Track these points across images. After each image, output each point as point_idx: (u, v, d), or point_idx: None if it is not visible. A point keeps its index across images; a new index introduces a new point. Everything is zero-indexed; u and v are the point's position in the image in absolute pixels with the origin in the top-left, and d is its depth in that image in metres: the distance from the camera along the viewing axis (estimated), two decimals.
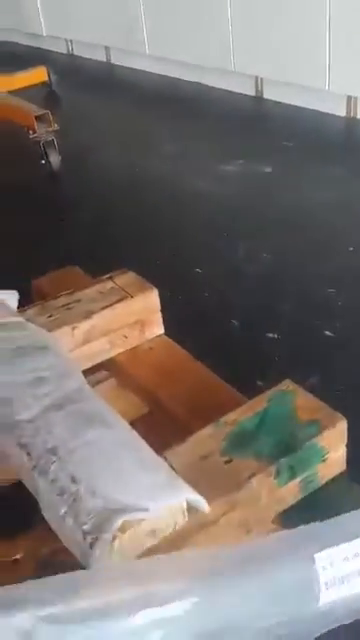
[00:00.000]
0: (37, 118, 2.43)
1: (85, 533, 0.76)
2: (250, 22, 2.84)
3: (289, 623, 0.67)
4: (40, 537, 0.84)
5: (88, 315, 1.22)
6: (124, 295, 1.27)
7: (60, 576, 0.70)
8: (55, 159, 2.44)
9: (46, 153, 2.43)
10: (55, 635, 0.65)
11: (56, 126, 2.45)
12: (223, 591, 0.68)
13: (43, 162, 2.44)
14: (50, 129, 2.43)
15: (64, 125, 2.51)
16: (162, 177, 2.44)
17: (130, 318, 1.26)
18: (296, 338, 1.61)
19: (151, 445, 0.89)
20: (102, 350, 1.26)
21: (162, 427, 1.16)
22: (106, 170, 2.54)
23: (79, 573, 0.73)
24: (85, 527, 0.76)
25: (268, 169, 2.38)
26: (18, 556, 0.82)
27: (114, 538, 0.75)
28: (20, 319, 1.14)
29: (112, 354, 1.27)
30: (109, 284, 1.30)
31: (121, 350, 1.28)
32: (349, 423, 0.96)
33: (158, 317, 1.31)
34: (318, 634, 0.71)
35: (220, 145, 2.64)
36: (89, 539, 0.75)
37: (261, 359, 1.55)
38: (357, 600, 0.69)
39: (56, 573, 0.78)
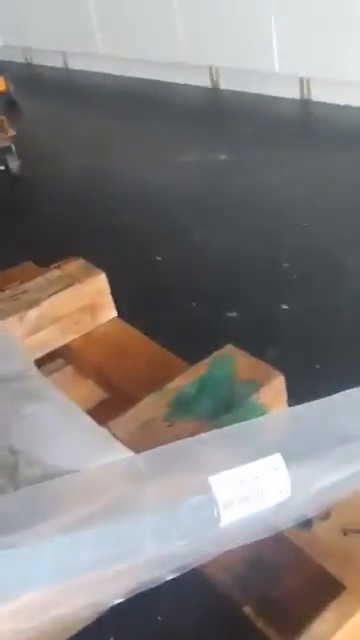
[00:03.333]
0: None
1: None
2: (197, 13, 2.87)
3: (190, 544, 0.69)
4: None
5: (35, 303, 1.24)
6: (72, 281, 1.29)
7: None
8: (14, 165, 2.46)
9: (4, 159, 2.45)
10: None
11: (12, 131, 2.47)
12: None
13: (2, 168, 2.46)
14: (7, 135, 2.45)
15: (24, 131, 2.54)
16: (122, 174, 2.47)
17: (79, 303, 1.28)
18: (254, 315, 1.63)
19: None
20: (53, 337, 1.27)
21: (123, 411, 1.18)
22: (67, 172, 2.56)
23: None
24: None
25: (223, 156, 2.41)
26: None
27: None
28: None
29: (65, 341, 1.30)
30: (56, 272, 1.32)
31: (74, 336, 1.30)
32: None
33: (109, 300, 1.33)
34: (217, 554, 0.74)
35: (179, 138, 2.67)
36: None
37: (220, 337, 1.57)
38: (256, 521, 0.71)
39: None
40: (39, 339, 1.25)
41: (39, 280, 1.31)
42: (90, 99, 3.30)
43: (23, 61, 3.94)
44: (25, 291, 1.28)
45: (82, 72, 3.60)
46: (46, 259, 1.54)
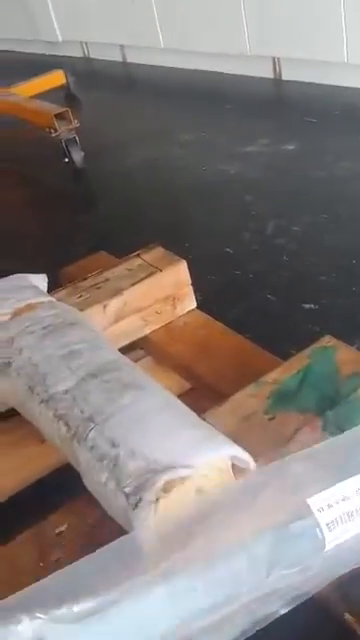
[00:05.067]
0: (57, 116, 2.43)
1: (128, 496, 0.73)
2: (262, 3, 2.81)
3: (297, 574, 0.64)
4: (83, 508, 0.82)
5: (118, 292, 1.21)
6: (153, 270, 1.25)
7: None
8: (78, 156, 2.44)
9: (68, 151, 2.42)
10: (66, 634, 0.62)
11: (76, 123, 2.45)
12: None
13: (66, 160, 2.44)
14: (71, 127, 2.43)
15: (85, 124, 2.51)
16: (186, 165, 2.42)
17: (161, 293, 1.24)
18: (335, 307, 1.57)
19: None
20: (135, 328, 1.24)
21: (207, 402, 1.13)
22: (130, 165, 2.52)
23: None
24: (127, 490, 0.74)
25: (291, 147, 2.34)
26: (62, 528, 0.80)
27: (158, 499, 0.73)
28: (49, 298, 1.12)
29: (146, 332, 1.25)
30: (137, 261, 1.28)
31: (155, 327, 1.26)
32: None
33: (189, 291, 1.29)
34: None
35: (243, 129, 2.61)
36: (132, 501, 0.73)
37: (299, 330, 1.51)
38: None
39: (101, 544, 0.75)
40: (121, 329, 1.21)
41: (120, 269, 1.27)
42: (150, 92, 3.26)
43: (81, 55, 3.92)
44: (107, 279, 1.25)
45: (141, 65, 3.56)
46: (115, 250, 1.51)
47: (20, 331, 1.01)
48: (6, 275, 1.21)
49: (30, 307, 1.07)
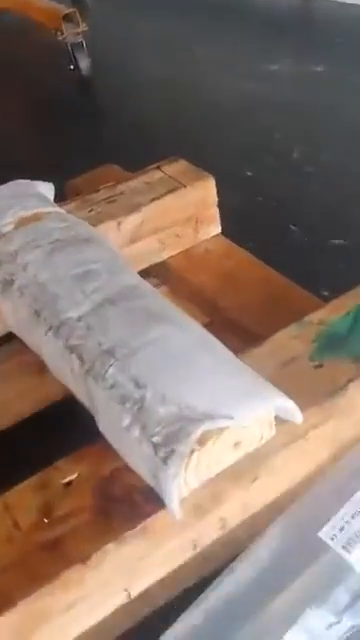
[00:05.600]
0: (64, 18, 2.20)
1: (156, 446, 0.61)
2: None
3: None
4: (97, 456, 0.70)
5: (135, 208, 1.05)
6: (176, 185, 1.09)
7: None
8: (85, 63, 2.23)
9: (74, 57, 2.21)
10: None
11: (84, 26, 2.22)
12: None
13: (72, 67, 2.23)
14: (78, 30, 2.21)
15: (93, 32, 2.29)
16: (206, 82, 2.22)
17: (183, 213, 1.09)
18: None
19: None
20: (152, 250, 1.09)
21: (226, 339, 1.00)
22: (142, 75, 2.32)
23: None
24: (155, 439, 0.61)
25: (319, 68, 2.14)
26: (71, 478, 0.68)
27: (192, 451, 0.60)
28: (58, 209, 0.97)
29: (163, 256, 1.11)
30: (157, 174, 1.12)
31: (173, 252, 1.11)
32: None
33: (215, 212, 1.13)
34: None
35: (266, 47, 2.39)
36: (162, 453, 0.60)
37: (325, 267, 1.38)
38: None
39: (116, 497, 0.64)
40: (137, 251, 1.06)
41: (137, 182, 1.11)
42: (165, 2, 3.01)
43: None
44: (122, 193, 1.09)
45: None
46: (126, 167, 1.35)
47: (25, 244, 0.87)
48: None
49: (36, 217, 0.92)
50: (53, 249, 0.85)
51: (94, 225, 1.01)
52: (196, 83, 2.22)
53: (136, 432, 0.63)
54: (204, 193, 1.10)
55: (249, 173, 1.69)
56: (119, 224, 1.03)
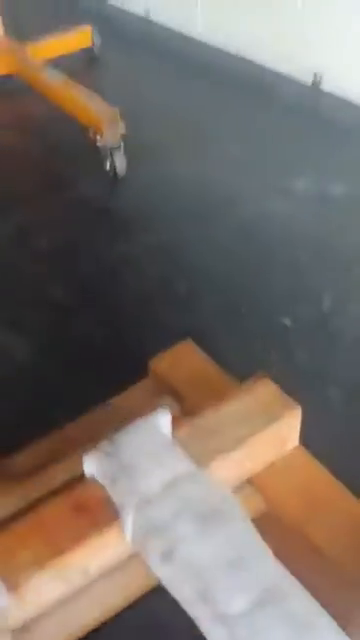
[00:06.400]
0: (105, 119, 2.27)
1: None
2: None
3: None
4: None
5: (238, 443, 1.19)
6: (270, 418, 1.24)
7: None
8: (121, 165, 2.31)
9: (112, 160, 2.29)
10: None
11: (122, 127, 2.30)
12: None
13: (107, 168, 2.32)
14: (119, 132, 2.28)
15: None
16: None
17: (274, 443, 1.24)
18: None
19: None
20: (243, 472, 1.24)
21: None
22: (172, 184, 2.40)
23: None
24: None
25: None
26: None
27: None
28: (190, 465, 1.11)
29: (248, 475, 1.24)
30: (248, 399, 1.26)
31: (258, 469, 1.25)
32: None
33: (297, 433, 1.28)
34: None
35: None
36: None
37: None
38: None
39: None
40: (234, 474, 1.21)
41: (236, 409, 1.24)
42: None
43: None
44: (224, 421, 1.21)
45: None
46: None
47: (173, 513, 1.02)
48: None
49: (174, 480, 1.07)
50: (198, 523, 1.01)
51: (206, 463, 1.13)
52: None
53: None
54: (292, 422, 1.26)
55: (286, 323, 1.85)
56: (224, 459, 1.18)
